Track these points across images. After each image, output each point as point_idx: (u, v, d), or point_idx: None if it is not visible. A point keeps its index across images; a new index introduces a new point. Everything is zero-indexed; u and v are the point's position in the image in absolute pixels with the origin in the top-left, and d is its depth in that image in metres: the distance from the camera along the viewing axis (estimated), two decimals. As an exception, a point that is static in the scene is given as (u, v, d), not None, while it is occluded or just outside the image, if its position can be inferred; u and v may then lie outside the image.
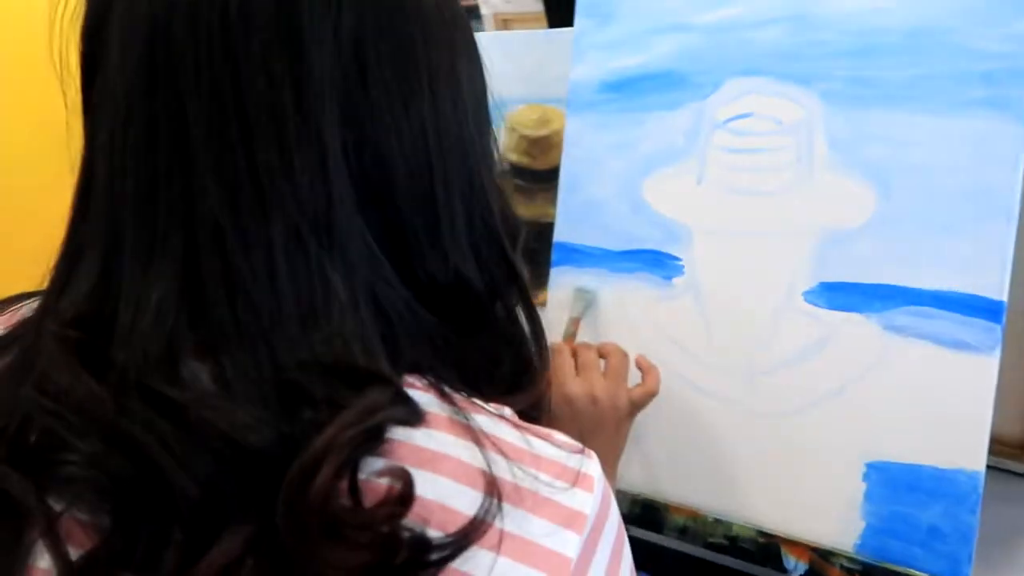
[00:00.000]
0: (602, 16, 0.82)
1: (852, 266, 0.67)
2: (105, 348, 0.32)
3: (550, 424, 0.67)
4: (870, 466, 0.65)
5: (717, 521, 0.71)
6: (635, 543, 0.71)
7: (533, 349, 0.44)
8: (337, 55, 0.35)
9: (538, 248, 0.87)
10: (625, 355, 0.70)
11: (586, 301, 0.79)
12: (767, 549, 0.68)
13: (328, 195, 0.35)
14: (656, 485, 0.74)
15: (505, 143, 1.10)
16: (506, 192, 0.46)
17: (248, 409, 0.31)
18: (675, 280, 0.75)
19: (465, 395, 0.38)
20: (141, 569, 0.30)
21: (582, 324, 0.77)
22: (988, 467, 0.65)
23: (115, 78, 0.35)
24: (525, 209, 1.06)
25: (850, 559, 0.65)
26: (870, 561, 0.64)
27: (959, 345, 0.62)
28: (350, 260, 0.36)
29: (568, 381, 0.65)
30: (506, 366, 0.42)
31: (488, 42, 1.19)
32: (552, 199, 0.86)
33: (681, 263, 0.75)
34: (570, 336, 0.77)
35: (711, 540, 0.71)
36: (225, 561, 0.30)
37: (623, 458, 0.71)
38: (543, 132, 1.05)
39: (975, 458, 0.61)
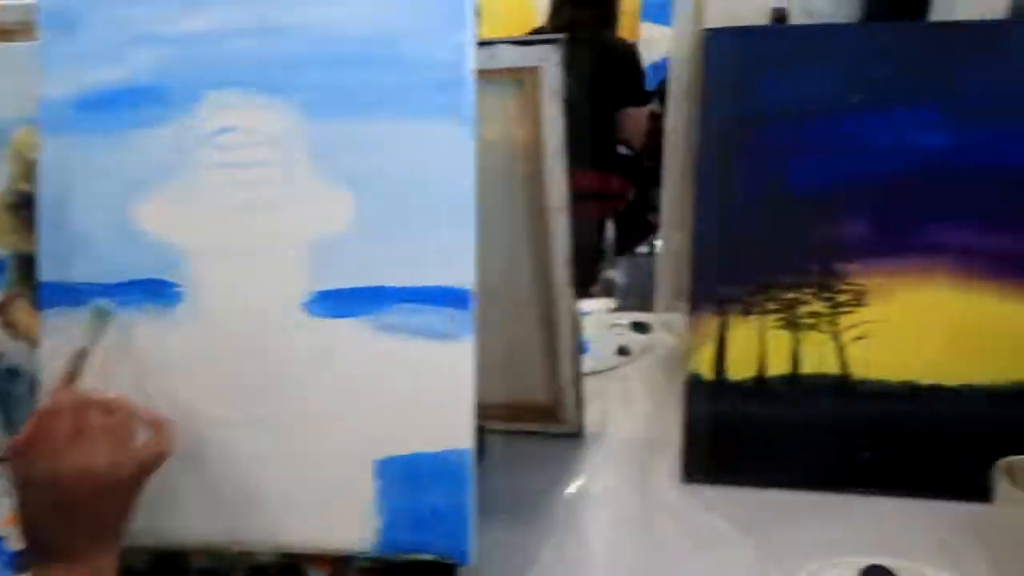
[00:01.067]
0: (67, 25, 0.74)
1: (343, 273, 0.68)
2: None
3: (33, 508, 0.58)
4: (380, 464, 0.67)
5: (242, 553, 0.68)
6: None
7: None
8: None
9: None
10: (131, 410, 0.63)
11: (98, 326, 0.70)
12: (290, 570, 0.67)
13: None
14: (175, 532, 0.69)
15: (12, 170, 0.96)
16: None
17: None
18: (178, 308, 0.70)
19: None
20: None
21: (93, 354, 0.69)
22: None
23: None
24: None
25: (368, 559, 0.66)
26: (386, 556, 0.66)
27: (441, 335, 0.66)
28: None
29: (60, 454, 0.57)
30: None
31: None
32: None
33: (182, 289, 0.71)
34: (72, 376, 0.67)
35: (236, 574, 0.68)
36: None
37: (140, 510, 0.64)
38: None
39: (463, 437, 0.66)
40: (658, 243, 1.26)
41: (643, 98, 1.98)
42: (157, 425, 0.65)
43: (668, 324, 1.27)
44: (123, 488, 0.61)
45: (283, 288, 0.69)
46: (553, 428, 1.00)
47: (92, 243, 0.72)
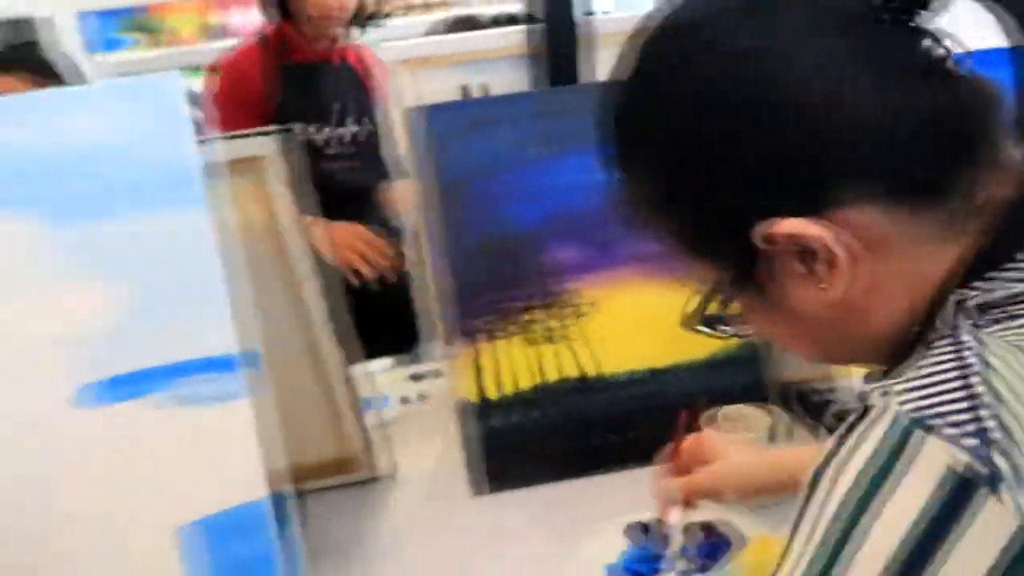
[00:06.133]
0: None
1: (113, 362, 0.74)
2: None
3: None
4: (184, 530, 0.73)
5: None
6: None
7: None
8: None
9: None
10: None
11: None
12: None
13: None
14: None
15: None
16: None
17: None
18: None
19: None
20: None
21: None
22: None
23: None
24: None
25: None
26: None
27: (216, 399, 0.74)
28: None
29: None
30: None
31: None
32: None
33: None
34: None
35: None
36: None
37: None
38: None
39: (256, 489, 0.74)
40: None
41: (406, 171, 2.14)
42: None
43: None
44: None
45: (60, 385, 0.74)
46: (358, 476, 1.09)
47: None
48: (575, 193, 1.06)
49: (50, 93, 0.82)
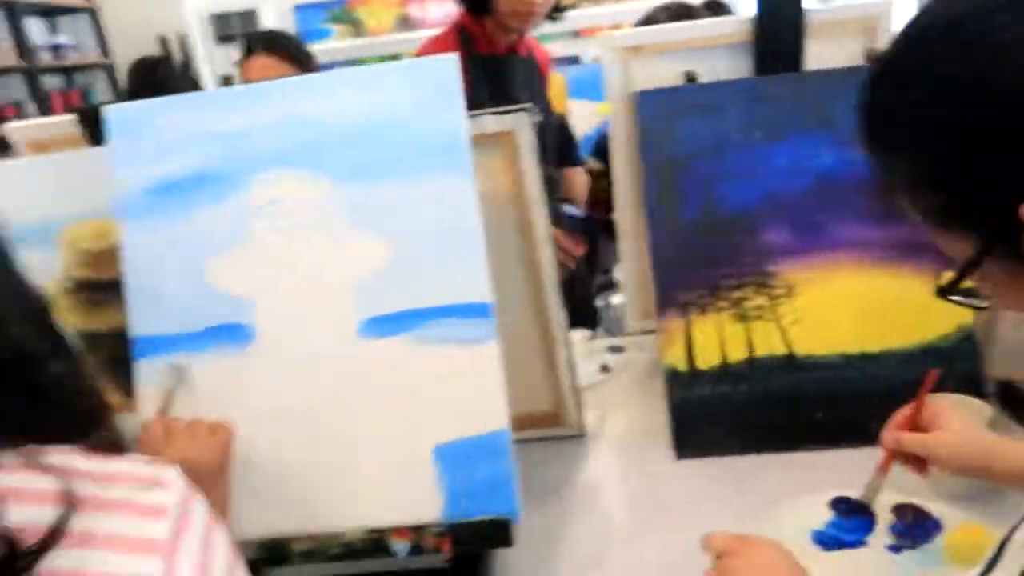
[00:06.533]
0: (134, 133, 0.90)
1: (385, 302, 0.85)
2: None
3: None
4: (438, 449, 0.83)
5: (333, 535, 0.82)
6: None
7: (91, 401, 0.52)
8: None
9: (123, 358, 0.90)
10: (205, 422, 0.79)
11: (176, 374, 0.86)
12: (376, 543, 0.82)
13: None
14: (274, 524, 0.83)
15: (66, 260, 1.10)
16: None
17: None
18: (251, 345, 0.86)
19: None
20: None
21: (177, 396, 0.85)
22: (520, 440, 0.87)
23: None
24: (99, 321, 1.07)
25: (439, 525, 0.81)
26: (454, 521, 0.82)
27: (472, 340, 0.83)
28: None
29: (159, 451, 0.72)
30: (66, 416, 0.49)
31: (24, 168, 1.17)
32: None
33: (253, 329, 0.86)
34: (163, 409, 0.83)
35: (332, 553, 0.82)
36: None
37: (240, 507, 0.78)
38: (104, 245, 1.07)
39: (500, 420, 0.82)
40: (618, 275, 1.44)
41: (579, 160, 2.21)
42: (215, 428, 0.80)
43: (639, 344, 1.46)
44: (210, 474, 0.76)
45: (338, 319, 0.85)
46: (559, 431, 1.16)
47: (173, 301, 0.87)
48: (785, 178, 1.09)
49: (340, 73, 0.93)
